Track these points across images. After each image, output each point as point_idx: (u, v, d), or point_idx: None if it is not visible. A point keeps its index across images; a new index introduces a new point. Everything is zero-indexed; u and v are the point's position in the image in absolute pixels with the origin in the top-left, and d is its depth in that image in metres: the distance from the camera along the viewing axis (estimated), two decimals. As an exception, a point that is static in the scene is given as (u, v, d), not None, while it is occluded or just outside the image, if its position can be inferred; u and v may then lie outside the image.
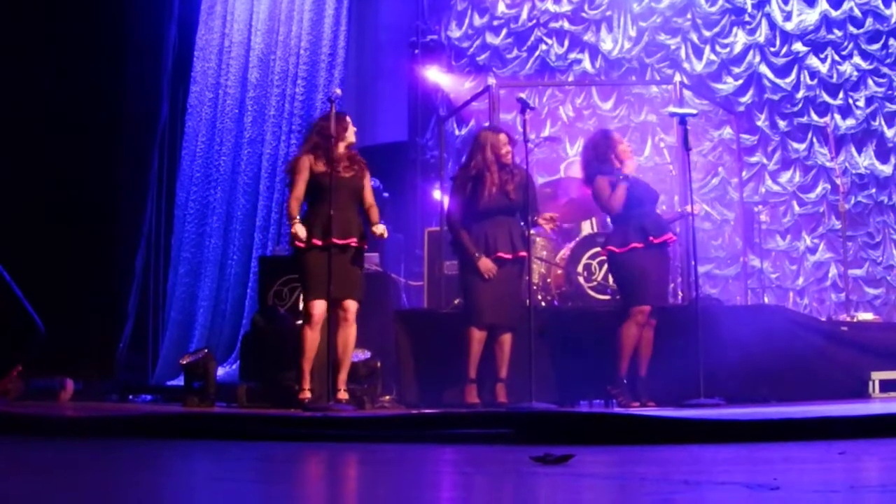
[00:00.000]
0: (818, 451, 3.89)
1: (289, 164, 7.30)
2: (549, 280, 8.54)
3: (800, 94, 11.27)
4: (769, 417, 4.61)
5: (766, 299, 10.21)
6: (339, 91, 7.39)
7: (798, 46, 11.32)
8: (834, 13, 11.21)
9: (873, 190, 11.02)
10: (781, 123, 11.33)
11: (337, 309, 6.88)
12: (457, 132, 12.02)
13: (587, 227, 9.13)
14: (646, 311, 7.06)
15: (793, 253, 11.19)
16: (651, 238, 7.11)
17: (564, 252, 8.60)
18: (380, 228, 6.98)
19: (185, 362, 7.85)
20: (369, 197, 7.11)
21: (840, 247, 10.39)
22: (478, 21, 12.31)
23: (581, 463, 3.46)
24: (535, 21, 12.11)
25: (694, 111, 7.80)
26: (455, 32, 12.38)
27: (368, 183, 7.14)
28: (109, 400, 9.06)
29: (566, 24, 12.03)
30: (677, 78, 9.14)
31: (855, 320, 8.73)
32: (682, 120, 7.27)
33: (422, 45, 12.31)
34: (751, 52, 11.47)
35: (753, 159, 11.31)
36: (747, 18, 11.53)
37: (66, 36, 9.86)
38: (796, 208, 11.22)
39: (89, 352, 9.65)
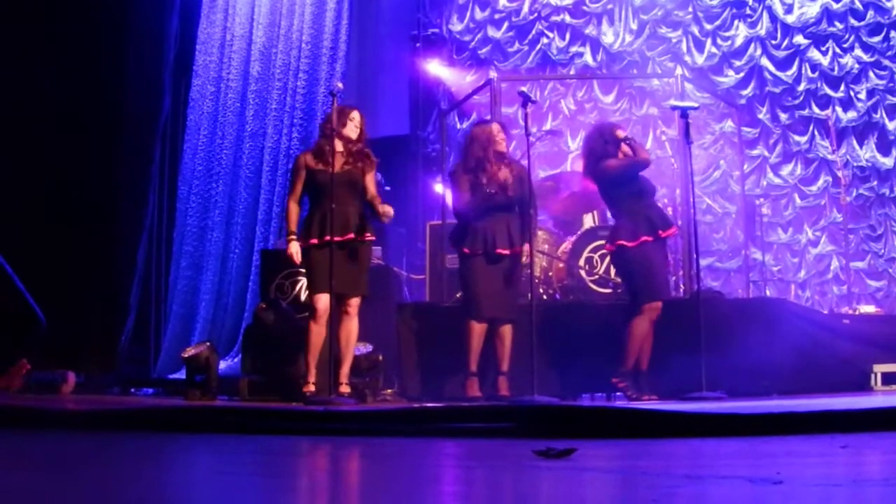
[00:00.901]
0: (820, 444, 3.88)
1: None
2: (550, 273, 8.54)
3: (801, 87, 11.27)
4: (771, 411, 4.60)
5: (767, 292, 10.21)
6: (340, 85, 7.37)
7: (799, 39, 11.32)
8: (835, 6, 11.20)
9: (875, 182, 11.03)
10: (783, 116, 11.34)
11: (339, 303, 6.89)
12: (458, 126, 12.01)
13: (589, 221, 9.12)
14: (659, 307, 7.05)
15: (794, 246, 11.19)
16: (660, 232, 7.10)
17: (566, 245, 8.60)
18: (384, 208, 6.95)
19: (186, 355, 7.85)
20: (372, 189, 7.07)
21: (842, 239, 10.39)
22: (479, 14, 12.31)
23: (583, 457, 3.46)
24: (536, 14, 12.12)
25: (695, 104, 7.80)
26: (456, 26, 12.38)
27: (372, 177, 7.09)
28: (111, 393, 9.08)
29: (567, 18, 12.04)
30: (679, 71, 9.12)
31: (857, 313, 8.73)
32: (684, 113, 7.26)
33: (423, 38, 12.31)
34: (752, 45, 11.46)
35: (755, 152, 11.32)
36: (748, 11, 11.53)
37: (68, 29, 9.85)
38: (798, 201, 11.22)
39: (91, 345, 9.66)
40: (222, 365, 9.08)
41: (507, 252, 7.13)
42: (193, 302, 10.88)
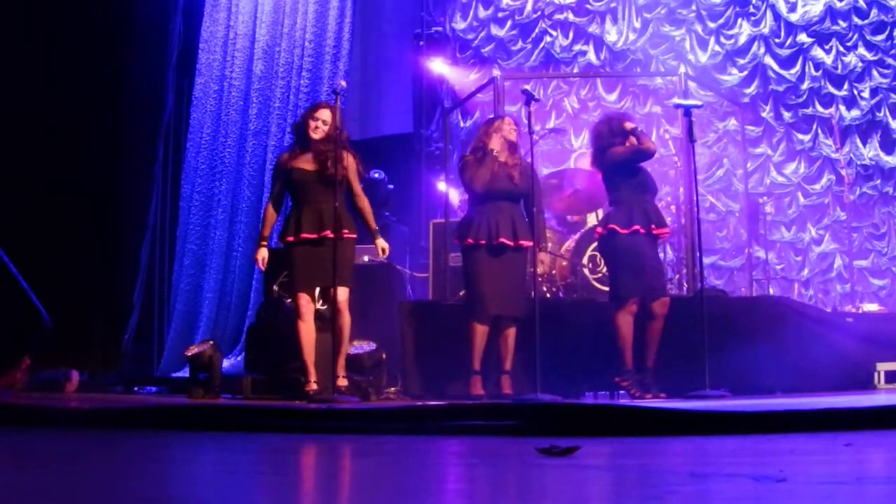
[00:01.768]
0: (824, 442, 3.88)
1: None
2: (554, 272, 8.53)
3: (804, 86, 11.27)
4: (774, 409, 4.60)
5: (771, 290, 10.20)
6: (343, 83, 7.34)
7: (803, 37, 11.32)
8: (838, 4, 11.20)
9: (878, 181, 11.03)
10: (786, 114, 11.34)
11: (331, 299, 6.91)
12: (462, 124, 12.02)
13: (592, 219, 9.11)
14: (638, 301, 7.00)
15: (798, 244, 11.19)
16: (653, 226, 7.06)
17: (569, 244, 8.60)
18: (380, 243, 6.95)
19: (190, 354, 7.85)
20: (355, 186, 7.02)
21: (845, 237, 10.40)
22: (482, 13, 12.31)
23: (586, 454, 3.46)
24: (539, 13, 12.12)
25: (699, 103, 7.78)
26: (460, 24, 12.38)
27: (353, 175, 7.01)
28: (114, 391, 9.08)
29: (571, 16, 12.04)
30: (682, 69, 9.13)
31: (860, 311, 8.73)
32: (687, 111, 7.24)
33: (426, 36, 12.32)
34: (755, 44, 11.46)
35: (758, 150, 11.31)
36: (752, 10, 11.53)
37: (71, 28, 9.85)
38: (801, 199, 11.22)
39: (95, 343, 9.67)
40: (225, 363, 9.08)
41: (510, 243, 7.07)
42: (197, 300, 10.88)
